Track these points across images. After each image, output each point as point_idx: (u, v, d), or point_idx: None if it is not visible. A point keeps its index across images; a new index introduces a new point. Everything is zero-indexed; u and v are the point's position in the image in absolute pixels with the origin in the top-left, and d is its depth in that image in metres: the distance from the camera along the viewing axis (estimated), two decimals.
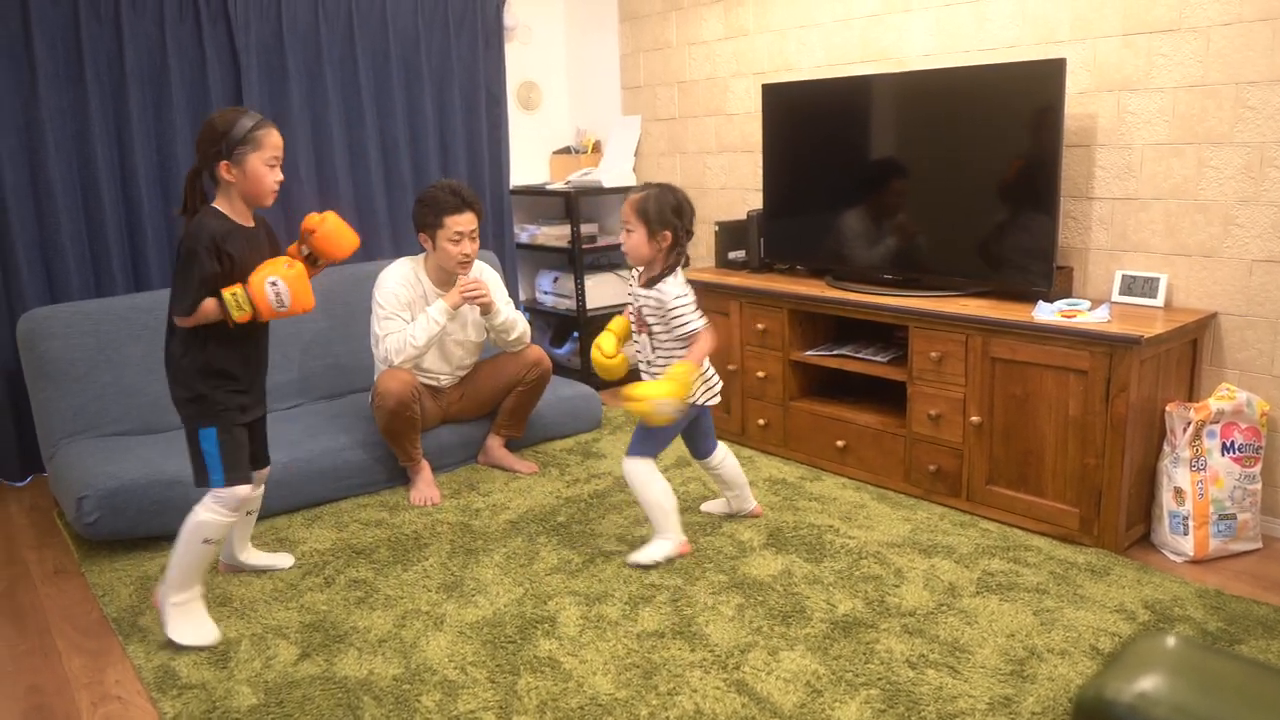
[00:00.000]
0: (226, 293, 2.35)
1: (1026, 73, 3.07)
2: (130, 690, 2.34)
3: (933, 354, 3.19)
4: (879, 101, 3.52)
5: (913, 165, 3.44)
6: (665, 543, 2.88)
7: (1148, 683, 0.82)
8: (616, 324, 3.01)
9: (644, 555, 2.85)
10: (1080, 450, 2.88)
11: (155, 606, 2.59)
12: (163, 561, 2.97)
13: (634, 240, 2.77)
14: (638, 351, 2.93)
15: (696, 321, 2.76)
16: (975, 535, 3.00)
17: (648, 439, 2.86)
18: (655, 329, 2.82)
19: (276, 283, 2.36)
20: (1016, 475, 3.06)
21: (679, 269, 2.82)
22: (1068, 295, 3.25)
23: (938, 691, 2.19)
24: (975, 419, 3.11)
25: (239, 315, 2.36)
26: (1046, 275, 3.11)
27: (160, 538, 3.11)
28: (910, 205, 3.47)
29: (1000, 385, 3.05)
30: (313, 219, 2.57)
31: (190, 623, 2.51)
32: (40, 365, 3.46)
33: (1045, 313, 2.99)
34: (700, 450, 3.07)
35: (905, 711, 2.12)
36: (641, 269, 2.85)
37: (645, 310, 2.82)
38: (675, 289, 2.76)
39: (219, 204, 2.42)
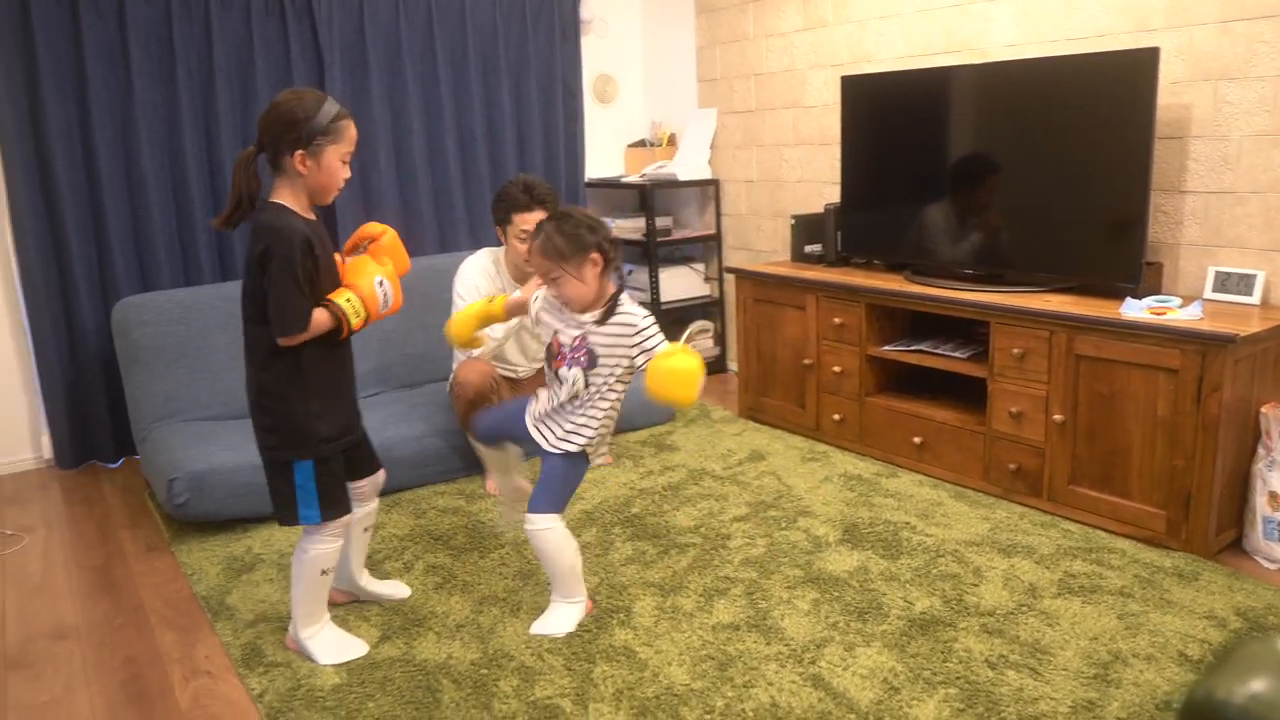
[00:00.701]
0: (341, 298, 2.18)
1: (1117, 63, 2.98)
2: (219, 666, 2.42)
3: (1015, 350, 3.13)
4: (962, 93, 3.46)
5: (996, 158, 3.38)
6: (573, 607, 2.53)
7: (1260, 684, 0.79)
8: (481, 308, 2.65)
9: (552, 625, 2.48)
10: (1169, 451, 2.80)
11: (292, 649, 2.43)
12: (248, 544, 3.07)
13: (568, 288, 2.35)
14: (545, 390, 2.53)
15: (659, 333, 2.39)
16: (1056, 536, 2.94)
17: (559, 491, 2.47)
18: (604, 365, 2.38)
19: (383, 282, 2.26)
20: (1100, 476, 2.99)
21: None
22: (1157, 292, 3.16)
23: (1018, 693, 2.15)
24: (1058, 417, 3.04)
25: (357, 322, 2.21)
26: (1135, 271, 3.03)
27: (245, 520, 3.21)
28: (993, 199, 3.41)
29: (1085, 383, 2.98)
30: (375, 228, 2.40)
31: (335, 645, 2.39)
32: (133, 351, 3.58)
33: (1134, 309, 2.91)
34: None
35: (985, 712, 2.09)
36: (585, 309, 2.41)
37: (598, 346, 2.37)
38: (639, 310, 2.39)
39: (282, 198, 2.18)
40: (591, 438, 2.46)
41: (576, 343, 2.40)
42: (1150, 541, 2.87)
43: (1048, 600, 2.55)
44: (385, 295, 2.28)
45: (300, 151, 2.12)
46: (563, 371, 2.41)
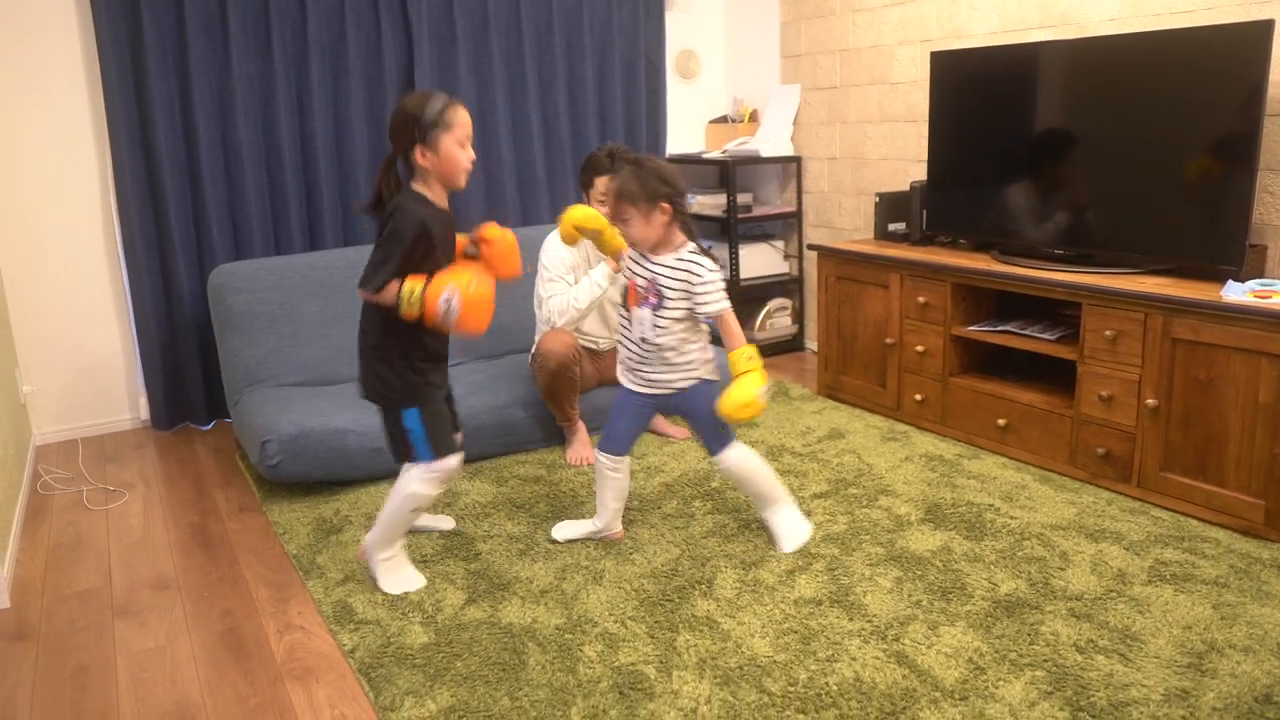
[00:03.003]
0: (407, 285, 2.33)
1: (1225, 36, 2.88)
2: (311, 622, 2.49)
3: (1107, 333, 3.06)
4: (1057, 69, 3.38)
5: (1092, 137, 3.29)
6: (792, 507, 2.85)
7: None
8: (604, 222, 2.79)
9: (797, 532, 2.80)
10: (1270, 439, 2.72)
11: (362, 559, 2.71)
12: (336, 506, 3.15)
13: (635, 229, 2.55)
14: (622, 328, 2.71)
15: (725, 300, 2.57)
16: (1146, 523, 2.88)
17: (716, 422, 2.63)
18: (671, 303, 2.56)
19: (451, 299, 2.31)
20: (1195, 463, 2.91)
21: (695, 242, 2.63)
22: (1260, 275, 3.06)
23: (1108, 678, 2.12)
24: (1151, 402, 2.97)
25: (406, 310, 2.33)
26: (1238, 254, 2.93)
27: (334, 483, 3.29)
28: (1087, 179, 3.32)
29: (1181, 368, 2.90)
30: (492, 230, 2.54)
31: (398, 575, 2.62)
32: (227, 317, 3.69)
33: (1235, 292, 2.82)
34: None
35: (1074, 695, 2.06)
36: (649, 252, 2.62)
37: (663, 282, 2.56)
38: (708, 264, 2.56)
39: (418, 187, 2.42)
40: (695, 371, 2.68)
41: (646, 284, 2.59)
42: (1247, 531, 2.79)
43: (1138, 587, 2.50)
44: (448, 310, 2.33)
45: (419, 146, 2.35)
46: (635, 311, 2.63)
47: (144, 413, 4.11)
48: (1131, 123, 3.14)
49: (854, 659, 2.21)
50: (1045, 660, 2.19)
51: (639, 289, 2.61)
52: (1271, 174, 3.07)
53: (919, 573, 2.61)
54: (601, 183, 3.38)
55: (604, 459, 2.78)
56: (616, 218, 2.58)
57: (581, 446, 3.51)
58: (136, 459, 3.78)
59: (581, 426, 3.56)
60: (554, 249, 3.46)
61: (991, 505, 3.02)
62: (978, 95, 3.66)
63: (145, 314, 3.92)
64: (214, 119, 3.89)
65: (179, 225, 3.88)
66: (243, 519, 3.17)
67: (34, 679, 2.30)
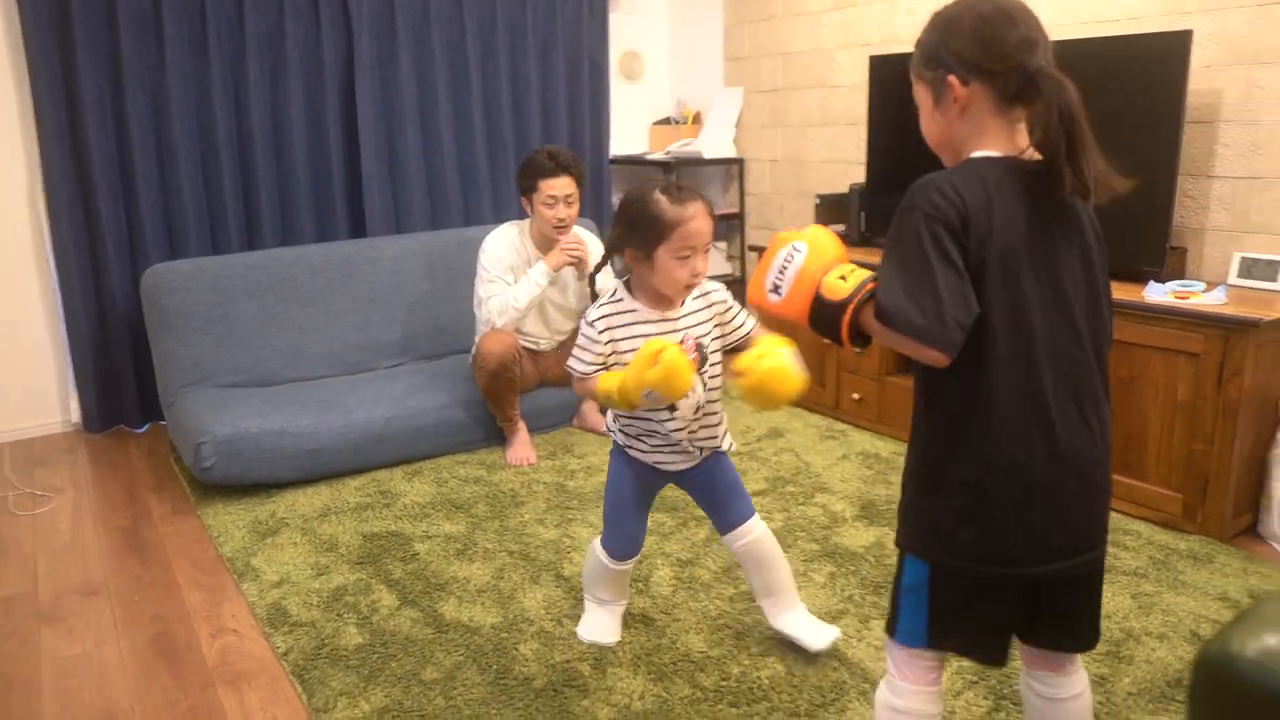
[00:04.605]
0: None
1: (1147, 45, 2.97)
2: (245, 624, 2.47)
3: None
4: None
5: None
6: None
7: (1275, 639, 0.81)
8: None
9: (826, 631, 2.26)
10: (1188, 435, 2.81)
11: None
12: (272, 508, 3.12)
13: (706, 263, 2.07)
14: (656, 410, 2.08)
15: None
16: None
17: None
18: (714, 352, 2.15)
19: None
20: (1117, 459, 2.99)
21: None
22: (1180, 277, 3.15)
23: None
24: None
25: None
26: (1159, 255, 3.02)
27: (269, 485, 3.25)
28: None
29: None
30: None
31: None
32: (161, 318, 3.63)
33: (1157, 293, 2.91)
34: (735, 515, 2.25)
35: (997, 684, 2.12)
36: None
37: (698, 331, 2.11)
38: (713, 284, 2.19)
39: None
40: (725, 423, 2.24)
41: (686, 345, 2.05)
42: (1166, 524, 2.88)
43: None
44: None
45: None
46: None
47: (75, 415, 4.03)
48: None
49: (786, 653, 2.25)
50: None
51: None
52: (1191, 179, 3.16)
53: (852, 568, 2.65)
54: (546, 185, 3.38)
55: (620, 567, 2.29)
56: (702, 247, 2.02)
57: (522, 447, 3.52)
58: (66, 463, 3.70)
59: (522, 426, 3.56)
60: (492, 249, 3.46)
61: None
62: (913, 99, 3.71)
63: (76, 315, 3.84)
64: (147, 115, 3.82)
65: (111, 224, 3.81)
66: (176, 522, 3.12)
67: None
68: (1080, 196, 1.49)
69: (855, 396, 3.82)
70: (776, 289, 1.51)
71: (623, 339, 2.07)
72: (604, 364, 2.07)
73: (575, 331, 3.70)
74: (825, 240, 1.51)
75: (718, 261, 4.99)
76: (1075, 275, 1.45)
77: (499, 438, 3.62)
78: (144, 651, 2.37)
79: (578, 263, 3.46)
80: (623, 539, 2.25)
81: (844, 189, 4.16)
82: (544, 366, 3.69)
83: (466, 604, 2.50)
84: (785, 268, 1.50)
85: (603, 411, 3.76)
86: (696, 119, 5.11)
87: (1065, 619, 1.58)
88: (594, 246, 3.59)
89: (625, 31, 5.06)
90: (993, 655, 1.57)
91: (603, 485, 3.22)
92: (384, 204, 4.34)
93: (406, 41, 4.29)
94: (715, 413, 2.16)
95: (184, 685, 2.22)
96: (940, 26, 1.50)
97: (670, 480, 2.23)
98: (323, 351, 3.86)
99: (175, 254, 3.95)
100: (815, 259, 1.48)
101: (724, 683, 2.15)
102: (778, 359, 1.87)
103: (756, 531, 2.23)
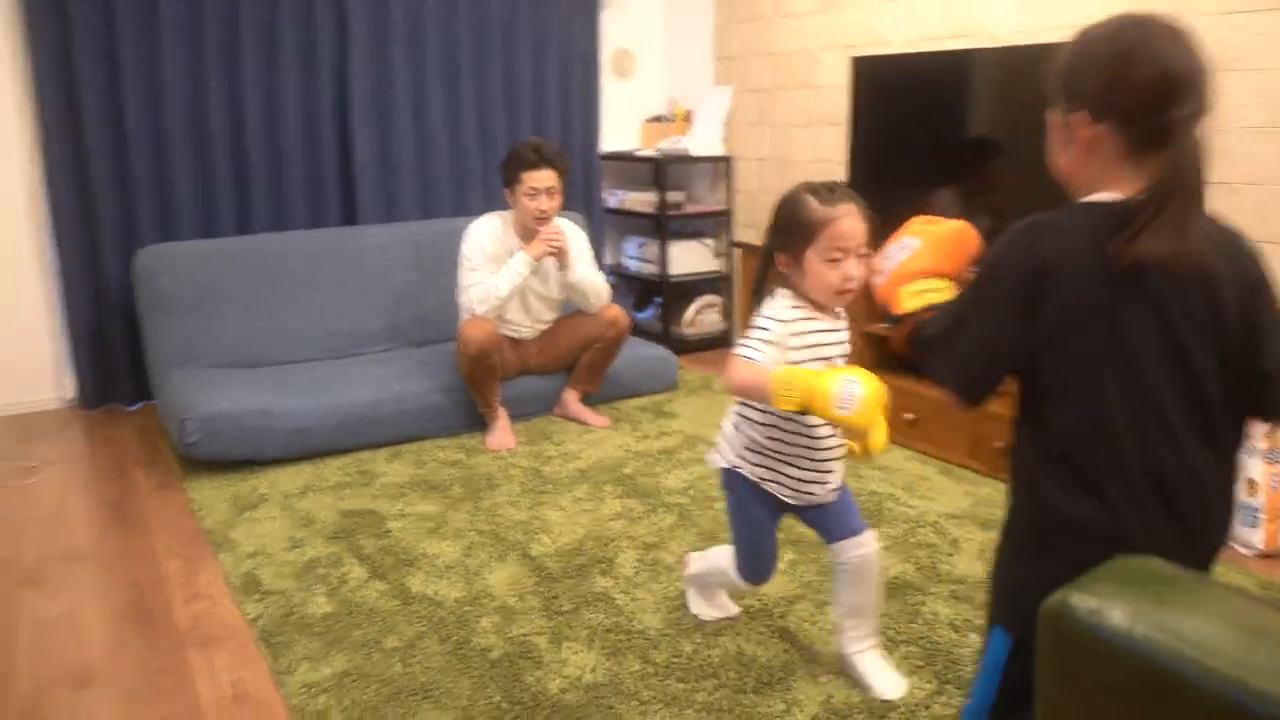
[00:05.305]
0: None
1: None
2: (218, 592, 2.55)
3: None
4: (971, 77, 3.52)
5: (1001, 143, 3.43)
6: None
7: (1108, 590, 0.88)
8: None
9: (897, 681, 2.14)
10: None
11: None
12: (254, 484, 3.22)
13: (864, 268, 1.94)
14: (798, 432, 2.02)
15: None
16: None
17: None
18: None
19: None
20: None
21: None
22: None
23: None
24: None
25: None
26: None
27: (253, 462, 3.33)
28: (999, 183, 3.47)
29: None
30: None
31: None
32: (153, 298, 3.72)
33: None
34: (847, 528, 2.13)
35: (943, 669, 2.19)
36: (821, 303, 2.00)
37: (840, 352, 2.04)
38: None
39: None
40: None
41: (848, 360, 2.01)
42: None
43: None
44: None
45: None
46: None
47: (70, 392, 4.12)
48: (1038, 130, 3.28)
49: (739, 634, 2.32)
50: (921, 638, 2.31)
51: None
52: None
53: (813, 556, 2.72)
54: (529, 177, 3.45)
55: (758, 589, 2.30)
56: (857, 252, 1.93)
57: (502, 433, 3.59)
58: (59, 437, 3.79)
59: (503, 413, 3.64)
60: (475, 239, 3.54)
61: (892, 494, 3.15)
62: (896, 101, 3.79)
63: (72, 293, 3.93)
64: (143, 103, 3.90)
65: (107, 207, 3.90)
66: (161, 495, 3.21)
67: None
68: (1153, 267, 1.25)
69: (908, 417, 3.65)
70: (882, 273, 1.57)
71: (801, 347, 1.95)
72: (772, 358, 1.91)
73: (557, 321, 3.80)
74: (942, 246, 1.51)
75: (705, 257, 5.06)
76: (1151, 339, 1.26)
77: (480, 424, 3.69)
78: (120, 615, 2.45)
79: (559, 253, 3.53)
80: (763, 568, 2.17)
81: None
82: (526, 355, 3.77)
83: (433, 579, 2.58)
84: (890, 257, 1.54)
85: (584, 401, 3.81)
86: (687, 117, 5.18)
87: None
88: (575, 238, 3.67)
89: (617, 29, 5.13)
90: None
91: (579, 473, 3.30)
92: (375, 194, 4.42)
93: (400, 33, 4.36)
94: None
95: (156, 647, 2.30)
96: (1076, 50, 1.33)
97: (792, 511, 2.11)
98: (310, 335, 3.95)
99: (169, 237, 4.03)
100: (913, 261, 1.50)
101: (675, 659, 2.22)
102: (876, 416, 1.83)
103: (872, 545, 2.10)
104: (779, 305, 1.97)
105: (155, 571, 2.68)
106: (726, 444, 2.13)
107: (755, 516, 2.11)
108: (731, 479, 2.12)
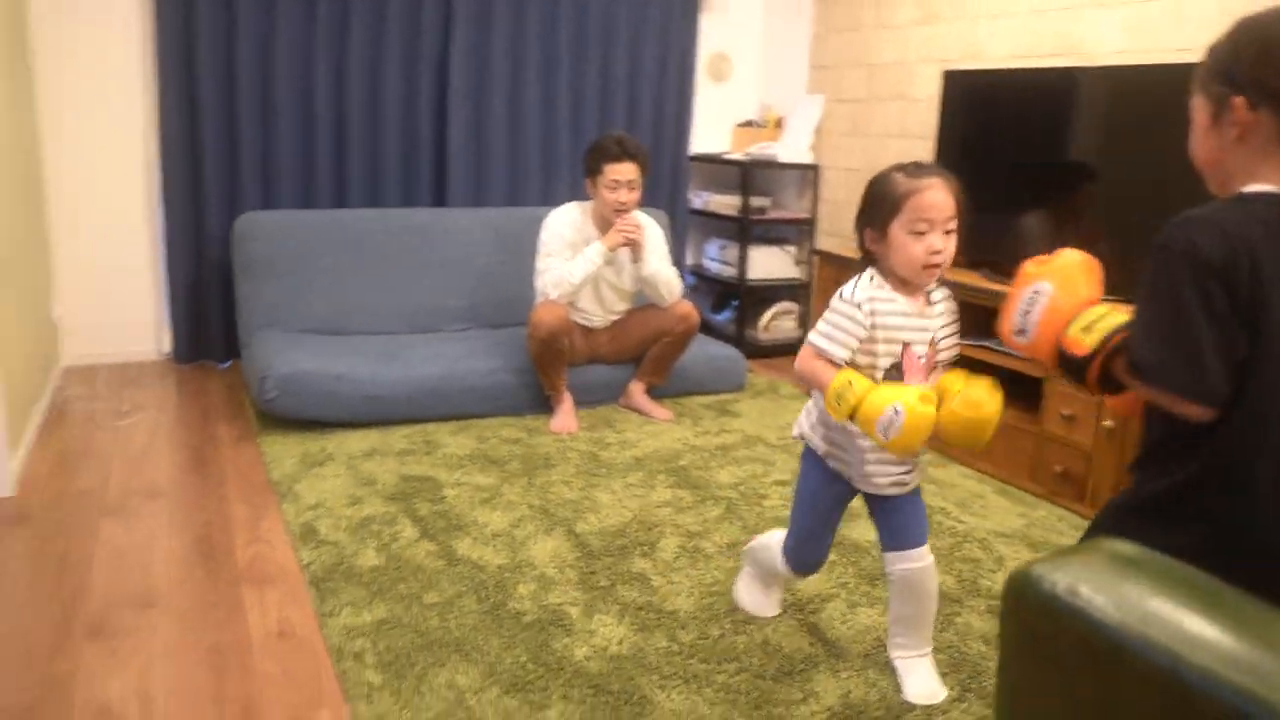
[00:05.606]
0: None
1: None
2: (277, 538, 2.69)
3: None
4: (1065, 96, 3.47)
5: (1094, 165, 3.39)
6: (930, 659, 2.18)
7: (1074, 564, 0.91)
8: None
9: (933, 686, 2.13)
10: None
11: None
12: (323, 444, 3.36)
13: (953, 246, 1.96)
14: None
15: None
16: None
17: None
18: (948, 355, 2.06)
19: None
20: None
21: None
22: None
23: None
24: (1108, 423, 3.06)
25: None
26: None
27: (326, 423, 3.49)
28: (1087, 207, 3.42)
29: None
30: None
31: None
32: (247, 263, 3.92)
33: None
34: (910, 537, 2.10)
35: (967, 679, 2.18)
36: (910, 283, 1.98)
37: (942, 334, 2.03)
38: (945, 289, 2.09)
39: None
40: None
41: (932, 347, 1.99)
42: None
43: None
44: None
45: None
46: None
47: (167, 346, 4.36)
48: (1137, 154, 3.23)
49: (767, 624, 2.35)
50: (950, 647, 2.31)
51: (917, 359, 1.98)
52: None
53: (853, 559, 2.73)
54: (611, 170, 3.54)
55: (800, 579, 2.35)
56: (944, 227, 1.93)
57: (565, 416, 3.68)
58: (154, 387, 4.02)
59: (568, 397, 3.72)
60: (554, 226, 3.63)
61: (944, 509, 3.13)
62: (984, 116, 3.76)
63: (175, 253, 4.17)
64: (255, 76, 4.12)
65: (214, 174, 4.13)
66: (238, 447, 3.38)
67: (23, 557, 2.53)
68: None
69: None
70: (1022, 331, 1.46)
71: (882, 326, 1.93)
72: (852, 350, 1.92)
73: (628, 312, 3.88)
74: (1072, 279, 1.44)
75: (786, 263, 5.08)
76: None
77: (546, 407, 3.79)
78: (186, 550, 2.61)
79: (633, 245, 3.61)
80: (812, 555, 2.18)
81: None
82: (596, 343, 3.85)
83: (480, 544, 2.67)
84: (1029, 311, 1.44)
85: (649, 393, 3.89)
86: (778, 123, 5.21)
87: None
88: (651, 231, 3.73)
89: (716, 33, 5.19)
90: None
91: (635, 460, 3.36)
92: (466, 179, 4.56)
93: (502, 24, 4.50)
94: None
95: (215, 581, 2.45)
96: (1240, 38, 1.33)
97: (860, 494, 2.10)
98: (392, 309, 4.10)
99: (269, 206, 4.24)
100: (1059, 303, 1.42)
101: (701, 641, 2.26)
102: (985, 408, 1.88)
103: (925, 560, 2.07)
104: (855, 285, 1.96)
105: (223, 514, 2.84)
106: (805, 414, 2.13)
107: (815, 490, 2.11)
108: (805, 450, 2.13)
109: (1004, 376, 3.58)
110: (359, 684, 2.04)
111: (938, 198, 1.90)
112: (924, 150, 4.38)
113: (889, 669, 2.19)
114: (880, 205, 1.93)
